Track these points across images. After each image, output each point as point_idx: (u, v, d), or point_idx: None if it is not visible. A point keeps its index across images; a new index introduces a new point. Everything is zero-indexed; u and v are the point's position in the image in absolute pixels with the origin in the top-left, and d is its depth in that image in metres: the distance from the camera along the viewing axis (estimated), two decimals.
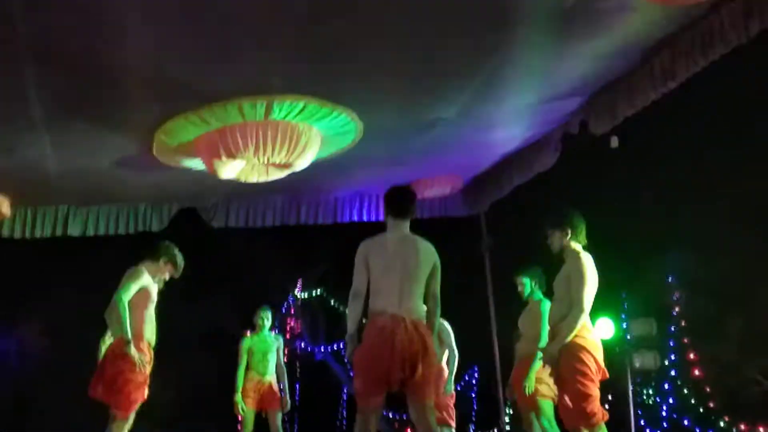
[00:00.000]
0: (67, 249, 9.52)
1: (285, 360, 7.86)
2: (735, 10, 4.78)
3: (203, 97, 5.86)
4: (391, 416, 10.73)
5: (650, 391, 7.59)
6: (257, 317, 7.76)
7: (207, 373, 10.31)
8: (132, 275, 5.37)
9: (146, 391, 5.35)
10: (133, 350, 5.18)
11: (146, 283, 5.43)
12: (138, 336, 5.28)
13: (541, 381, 5.82)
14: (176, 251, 5.70)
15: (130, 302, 5.28)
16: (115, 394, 5.22)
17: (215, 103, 5.88)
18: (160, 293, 5.70)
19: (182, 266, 5.71)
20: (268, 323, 7.75)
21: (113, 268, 6.22)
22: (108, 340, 6.18)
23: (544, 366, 5.22)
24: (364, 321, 4.46)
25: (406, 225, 4.59)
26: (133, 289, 5.30)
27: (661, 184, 7.27)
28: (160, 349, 5.54)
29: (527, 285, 6.28)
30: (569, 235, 4.94)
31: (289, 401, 7.66)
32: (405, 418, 10.99)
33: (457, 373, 6.88)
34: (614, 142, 6.49)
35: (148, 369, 5.33)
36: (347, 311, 4.45)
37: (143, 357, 5.27)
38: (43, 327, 10.64)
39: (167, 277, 5.67)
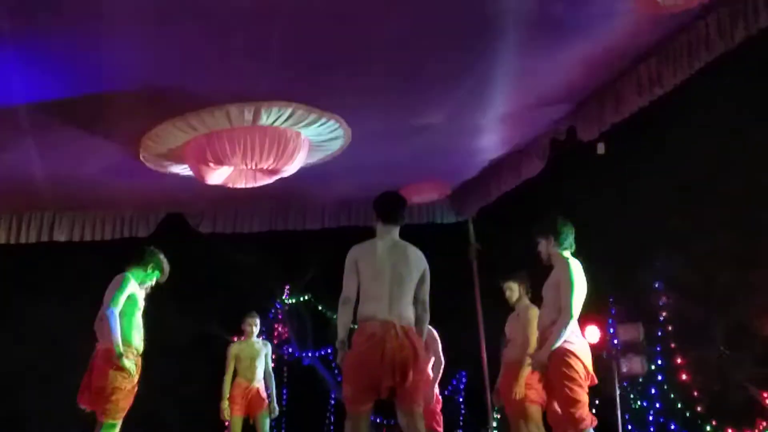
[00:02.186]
0: (53, 255, 9.46)
1: (273, 366, 7.85)
2: (720, 17, 4.82)
3: (190, 103, 5.84)
4: (378, 421, 10.70)
5: (637, 396, 7.61)
6: (245, 324, 7.74)
7: (194, 379, 10.26)
8: (119, 284, 5.33)
9: (133, 399, 5.32)
10: (124, 361, 5.15)
11: (133, 290, 5.40)
12: (126, 343, 5.25)
13: (530, 386, 5.82)
14: (161, 256, 5.68)
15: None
16: (103, 402, 5.18)
17: (202, 109, 5.87)
18: (148, 298, 5.67)
19: (168, 271, 5.68)
20: (256, 330, 7.73)
21: (100, 273, 6.19)
22: None
23: (532, 372, 5.23)
24: (354, 326, 4.44)
25: (395, 231, 4.58)
26: (122, 299, 5.27)
27: (648, 190, 7.30)
28: (147, 355, 5.51)
29: (515, 290, 6.29)
30: (557, 243, 4.98)
31: (276, 407, 7.65)
32: (393, 423, 10.97)
33: (444, 379, 6.87)
34: (601, 148, 6.51)
35: (137, 377, 5.30)
36: (337, 317, 4.43)
37: (132, 365, 5.23)
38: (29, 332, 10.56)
39: (153, 282, 5.64)
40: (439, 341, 6.66)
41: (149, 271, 5.55)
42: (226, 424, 7.74)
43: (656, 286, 7.53)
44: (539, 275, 5.15)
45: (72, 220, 8.66)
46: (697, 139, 6.63)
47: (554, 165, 7.22)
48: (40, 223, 8.57)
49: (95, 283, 6.04)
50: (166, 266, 5.68)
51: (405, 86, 5.96)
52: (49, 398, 9.70)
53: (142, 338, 5.45)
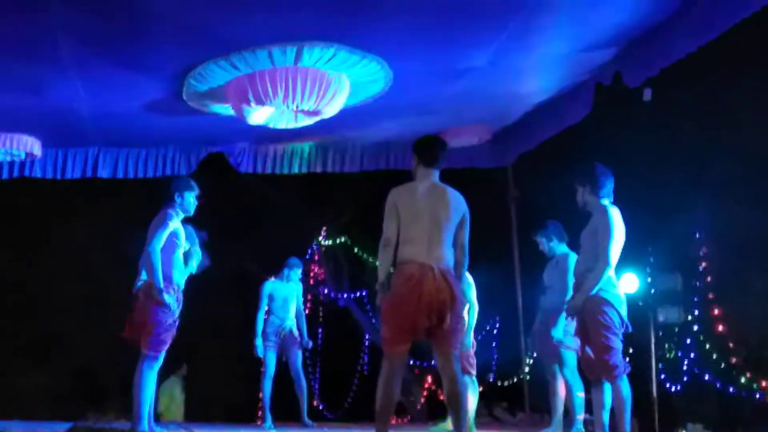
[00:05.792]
0: (96, 190, 9.63)
1: (308, 306, 7.98)
2: None
3: (233, 42, 5.84)
4: (411, 363, 10.84)
5: (672, 346, 7.58)
6: (289, 269, 7.83)
7: (232, 315, 10.45)
8: (161, 222, 5.40)
9: (175, 332, 5.46)
10: (165, 297, 5.26)
11: (175, 227, 5.47)
12: (167, 279, 5.36)
13: (567, 333, 5.85)
14: (186, 177, 5.70)
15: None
16: (146, 335, 5.32)
17: (245, 48, 5.86)
18: None
19: (197, 189, 5.64)
20: (296, 276, 7.85)
21: (141, 210, 6.29)
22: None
23: (566, 317, 5.25)
24: (392, 270, 4.47)
25: (435, 174, 4.57)
26: (164, 237, 5.36)
27: (693, 138, 7.13)
28: (187, 291, 5.62)
29: (545, 244, 6.31)
30: (595, 191, 4.94)
31: (309, 340, 7.85)
32: (426, 365, 11.11)
33: (478, 324, 6.89)
34: (647, 94, 6.37)
35: (177, 312, 5.42)
36: (378, 259, 4.46)
37: (173, 300, 5.35)
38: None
39: (194, 201, 5.63)
40: (474, 288, 6.68)
41: (184, 198, 5.55)
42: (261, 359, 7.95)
43: (696, 235, 7.42)
44: (580, 221, 5.12)
45: (115, 156, 8.82)
46: (748, 87, 6.43)
47: (598, 111, 7.08)
48: (85, 159, 8.74)
49: (137, 219, 6.14)
50: (194, 184, 5.65)
51: (449, 28, 5.87)
52: (90, 326, 9.97)
53: (182, 275, 5.55)
